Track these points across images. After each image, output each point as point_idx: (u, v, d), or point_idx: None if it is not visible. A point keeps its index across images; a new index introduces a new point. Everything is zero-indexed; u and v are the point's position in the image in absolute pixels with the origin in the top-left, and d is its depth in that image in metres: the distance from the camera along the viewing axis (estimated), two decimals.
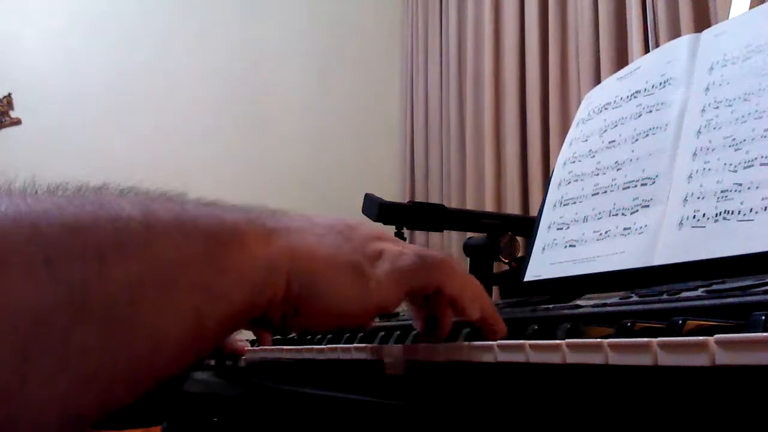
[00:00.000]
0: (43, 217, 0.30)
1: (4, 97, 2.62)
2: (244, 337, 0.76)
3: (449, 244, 2.76)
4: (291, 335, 0.67)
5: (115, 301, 0.30)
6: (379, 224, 0.98)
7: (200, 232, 0.35)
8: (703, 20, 1.78)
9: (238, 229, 0.36)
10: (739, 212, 0.59)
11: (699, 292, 0.41)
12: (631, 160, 0.76)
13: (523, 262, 0.85)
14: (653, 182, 0.71)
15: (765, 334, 0.25)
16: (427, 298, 0.45)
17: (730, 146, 0.64)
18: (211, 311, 0.34)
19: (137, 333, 0.31)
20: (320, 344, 0.58)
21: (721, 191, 0.62)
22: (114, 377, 0.30)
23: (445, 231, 2.61)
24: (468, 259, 1.04)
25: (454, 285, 0.43)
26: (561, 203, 0.83)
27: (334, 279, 0.39)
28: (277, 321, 0.38)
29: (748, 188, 0.60)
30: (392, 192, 3.08)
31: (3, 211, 0.29)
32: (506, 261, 0.98)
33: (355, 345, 0.52)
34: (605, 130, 0.82)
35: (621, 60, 2.03)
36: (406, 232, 1.02)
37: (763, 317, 0.29)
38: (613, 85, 0.87)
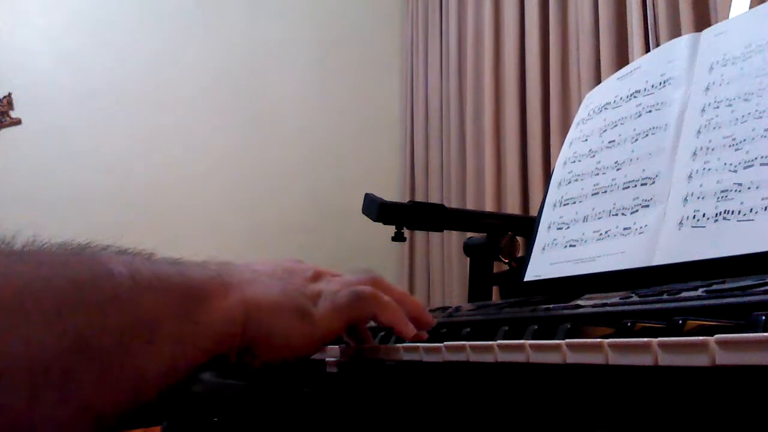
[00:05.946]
0: (54, 272, 0.36)
1: (4, 97, 2.61)
2: None
3: (449, 244, 2.76)
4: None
5: (109, 346, 0.37)
6: (379, 224, 0.98)
7: (175, 289, 0.42)
8: (703, 20, 1.78)
9: (204, 287, 0.43)
10: (739, 212, 0.59)
11: (699, 292, 0.41)
12: (631, 159, 0.76)
13: (523, 262, 0.85)
14: (653, 182, 0.71)
15: (765, 334, 0.25)
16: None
17: (730, 146, 0.64)
18: (182, 356, 0.41)
19: (124, 373, 0.38)
20: None
21: (721, 191, 0.62)
22: (104, 408, 0.37)
23: (445, 231, 2.61)
24: (468, 259, 1.04)
25: (385, 314, 0.50)
26: (561, 203, 0.83)
27: (282, 322, 0.46)
28: (233, 360, 0.45)
29: (748, 188, 0.60)
30: (392, 192, 3.08)
31: (22, 267, 0.35)
32: (506, 261, 0.97)
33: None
34: (605, 130, 0.82)
35: (621, 60, 2.03)
36: (406, 232, 1.02)
37: (763, 317, 0.29)
38: (613, 84, 0.87)
